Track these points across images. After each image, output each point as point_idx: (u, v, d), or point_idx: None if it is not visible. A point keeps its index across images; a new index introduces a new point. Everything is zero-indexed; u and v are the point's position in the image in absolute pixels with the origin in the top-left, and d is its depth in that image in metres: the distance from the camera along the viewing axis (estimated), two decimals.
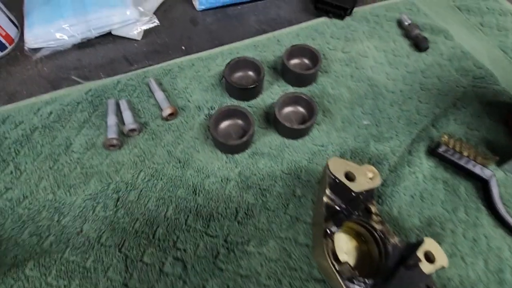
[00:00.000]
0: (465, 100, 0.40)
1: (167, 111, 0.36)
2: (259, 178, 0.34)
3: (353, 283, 0.25)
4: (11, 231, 0.30)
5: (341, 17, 0.47)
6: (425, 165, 0.35)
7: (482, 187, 0.34)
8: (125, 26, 0.43)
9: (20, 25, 0.43)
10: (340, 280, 0.25)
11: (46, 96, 0.38)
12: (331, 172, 0.29)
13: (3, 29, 0.40)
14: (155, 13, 0.46)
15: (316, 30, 0.46)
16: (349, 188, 0.28)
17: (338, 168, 0.29)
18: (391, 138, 0.37)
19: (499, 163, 0.36)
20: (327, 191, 0.28)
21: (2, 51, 0.41)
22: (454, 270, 0.30)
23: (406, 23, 0.46)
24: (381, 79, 0.42)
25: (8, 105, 0.37)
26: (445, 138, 0.35)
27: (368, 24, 0.47)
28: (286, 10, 0.49)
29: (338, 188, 0.29)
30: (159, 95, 0.38)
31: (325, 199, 0.28)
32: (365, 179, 0.30)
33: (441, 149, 0.35)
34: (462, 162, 0.34)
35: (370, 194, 0.29)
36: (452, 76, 0.43)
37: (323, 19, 0.48)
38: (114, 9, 0.42)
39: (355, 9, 0.48)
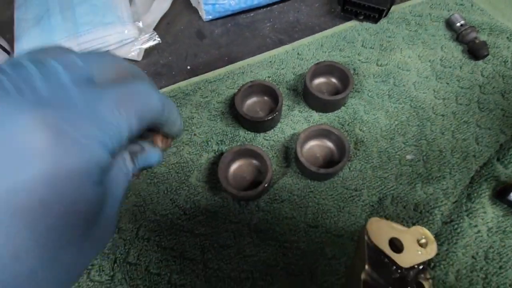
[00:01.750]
0: None
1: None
2: (279, 232, 0.28)
3: None
4: None
5: (374, 20, 0.39)
6: (489, 214, 0.28)
7: None
8: (123, 46, 0.38)
9: (12, 51, 0.40)
10: None
11: None
12: (371, 240, 0.23)
13: None
14: (157, 26, 0.41)
15: (344, 38, 0.38)
16: (396, 263, 0.22)
17: (380, 234, 0.23)
18: (443, 177, 0.30)
19: None
20: (366, 267, 0.22)
21: None
22: None
23: (458, 24, 0.37)
24: (427, 99, 0.34)
25: None
26: None
27: (408, 27, 0.39)
28: (306, 14, 0.42)
29: (381, 261, 0.22)
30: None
31: (363, 276, 0.22)
32: (416, 247, 0.23)
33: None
34: None
35: (422, 268, 0.23)
36: None
37: (352, 23, 0.40)
38: (110, 27, 0.37)
39: (392, 8, 0.40)
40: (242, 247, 0.28)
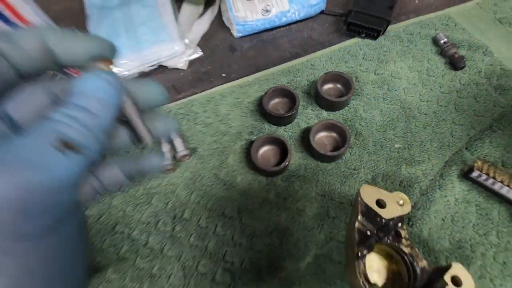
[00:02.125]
0: (503, 121, 0.40)
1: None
2: (296, 199, 0.38)
3: None
4: (95, 242, 0.37)
5: (374, 37, 0.48)
6: (457, 188, 0.37)
7: None
8: (173, 58, 0.48)
9: None
10: None
11: None
12: (362, 200, 0.32)
13: None
14: (198, 42, 0.51)
15: (349, 52, 0.48)
16: (380, 215, 0.31)
17: (370, 195, 0.32)
18: (423, 161, 0.39)
19: None
20: (359, 217, 0.31)
21: None
22: None
23: (442, 41, 0.46)
24: (414, 101, 0.43)
25: None
26: (478, 163, 0.36)
27: (401, 43, 0.48)
28: (318, 32, 0.51)
29: (370, 214, 0.32)
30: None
31: (357, 224, 0.31)
32: (396, 206, 0.32)
33: (474, 174, 0.36)
34: (495, 187, 0.35)
35: (400, 220, 0.32)
36: (490, 96, 0.43)
37: (355, 40, 0.49)
38: (163, 44, 0.48)
39: (389, 28, 0.49)
40: (268, 209, 0.37)
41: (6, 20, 0.39)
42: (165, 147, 0.41)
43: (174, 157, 0.41)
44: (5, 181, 0.11)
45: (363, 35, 0.49)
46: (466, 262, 0.33)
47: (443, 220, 0.35)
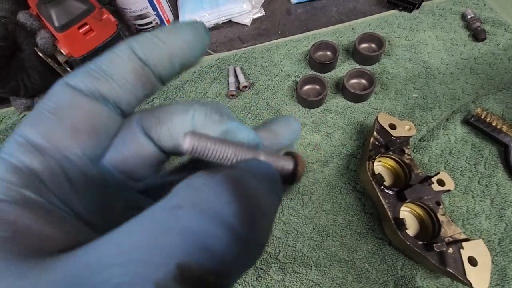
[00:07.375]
0: (510, 85, 0.48)
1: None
2: (327, 126, 0.49)
3: (383, 190, 0.39)
4: None
5: (409, 10, 0.57)
6: (458, 130, 0.46)
7: (504, 150, 0.43)
8: (241, 15, 0.61)
9: (173, 13, 0.65)
10: (375, 185, 0.39)
11: None
12: (379, 122, 0.43)
13: (167, 15, 0.62)
14: (262, 4, 0.63)
15: (386, 21, 0.57)
16: (390, 133, 0.42)
17: (385, 120, 0.43)
18: (434, 108, 0.48)
19: None
20: (374, 133, 0.42)
21: None
22: (463, 203, 0.41)
23: (469, 17, 0.54)
24: (435, 63, 0.52)
25: None
26: (479, 110, 0.45)
27: (433, 16, 0.57)
28: (362, 3, 0.61)
29: (383, 132, 0.42)
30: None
31: (372, 139, 0.43)
32: (404, 129, 0.43)
33: (473, 119, 0.45)
34: (489, 130, 0.44)
35: (406, 140, 0.42)
36: (503, 64, 0.50)
37: (393, 12, 0.58)
38: (235, 3, 0.60)
39: (423, 3, 0.57)
40: (306, 130, 0.49)
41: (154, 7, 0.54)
42: (231, 79, 0.54)
43: (237, 87, 0.54)
44: None
45: (401, 8, 0.58)
46: (455, 182, 0.43)
47: (442, 151, 0.45)
